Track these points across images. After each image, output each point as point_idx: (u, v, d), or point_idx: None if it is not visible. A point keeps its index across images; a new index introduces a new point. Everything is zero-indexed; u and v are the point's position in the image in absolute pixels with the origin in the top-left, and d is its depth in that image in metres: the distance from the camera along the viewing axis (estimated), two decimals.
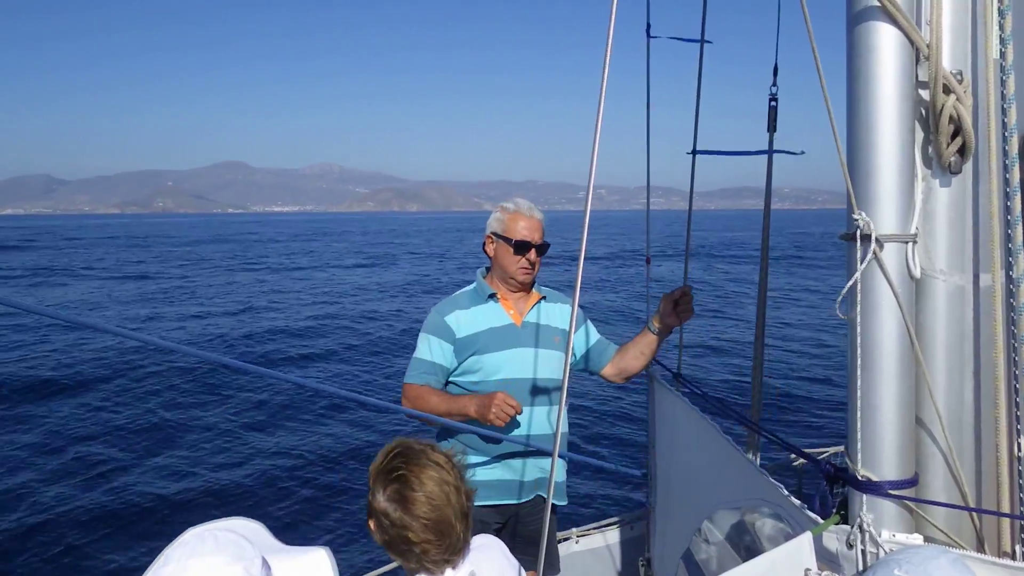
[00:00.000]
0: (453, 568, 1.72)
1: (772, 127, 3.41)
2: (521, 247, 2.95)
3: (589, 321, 3.19)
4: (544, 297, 3.09)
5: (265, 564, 1.32)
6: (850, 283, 1.73)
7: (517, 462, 2.94)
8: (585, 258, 1.56)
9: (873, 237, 1.70)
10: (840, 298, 1.76)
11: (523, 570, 2.01)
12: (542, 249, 3.00)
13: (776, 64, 3.32)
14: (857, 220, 1.71)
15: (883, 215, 1.72)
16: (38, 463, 9.55)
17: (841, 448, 3.93)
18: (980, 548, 1.77)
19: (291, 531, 7.36)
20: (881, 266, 1.71)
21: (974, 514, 1.78)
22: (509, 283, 3.01)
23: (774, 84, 3.32)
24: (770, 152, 3.44)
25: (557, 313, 3.09)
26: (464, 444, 2.93)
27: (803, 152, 3.49)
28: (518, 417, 2.85)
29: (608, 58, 1.51)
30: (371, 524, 1.73)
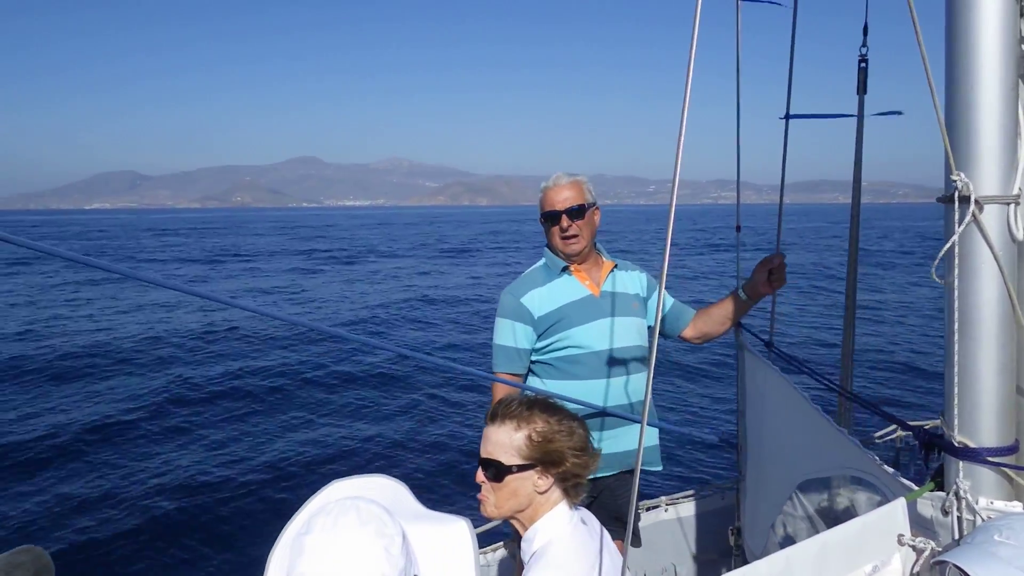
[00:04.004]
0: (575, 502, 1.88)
1: (862, 89, 3.30)
2: (550, 217, 2.90)
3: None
4: (616, 265, 3.04)
5: (405, 539, 1.28)
6: (947, 246, 1.69)
7: (608, 433, 2.89)
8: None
9: (972, 199, 1.65)
10: (937, 261, 1.72)
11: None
12: (575, 213, 2.87)
13: (866, 22, 3.21)
14: (955, 182, 1.66)
15: (983, 176, 1.66)
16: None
17: (937, 421, 3.80)
18: None
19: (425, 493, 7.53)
20: (980, 228, 1.66)
21: None
22: (569, 259, 2.95)
23: (864, 44, 3.20)
24: (860, 116, 3.33)
25: (631, 280, 3.05)
26: None
27: (901, 112, 3.38)
28: (608, 388, 2.84)
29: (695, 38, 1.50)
30: (525, 441, 1.79)
